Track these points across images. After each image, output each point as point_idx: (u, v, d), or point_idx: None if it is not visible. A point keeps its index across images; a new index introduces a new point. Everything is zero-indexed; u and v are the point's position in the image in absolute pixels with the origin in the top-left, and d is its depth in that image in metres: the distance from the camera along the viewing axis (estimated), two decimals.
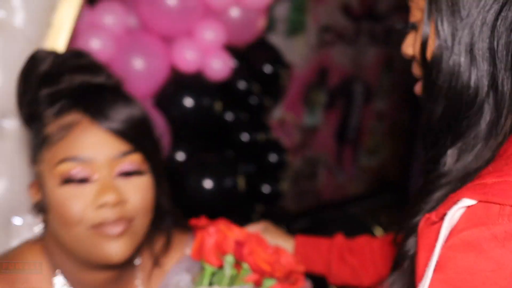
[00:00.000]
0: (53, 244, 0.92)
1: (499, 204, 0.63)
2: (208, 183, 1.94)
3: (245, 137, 2.07)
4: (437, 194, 0.76)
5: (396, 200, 3.98)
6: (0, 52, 1.14)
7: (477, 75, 0.71)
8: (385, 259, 1.25)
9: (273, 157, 2.17)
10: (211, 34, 1.97)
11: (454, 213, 0.67)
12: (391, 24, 3.69)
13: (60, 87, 0.90)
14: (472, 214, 0.65)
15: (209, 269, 1.01)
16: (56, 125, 0.87)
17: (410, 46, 0.85)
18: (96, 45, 1.80)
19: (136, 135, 0.91)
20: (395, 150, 4.36)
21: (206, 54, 1.98)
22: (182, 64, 1.96)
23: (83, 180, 0.84)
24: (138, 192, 0.89)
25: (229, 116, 2.01)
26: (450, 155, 0.75)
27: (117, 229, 0.86)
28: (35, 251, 0.95)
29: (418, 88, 0.86)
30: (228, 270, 1.02)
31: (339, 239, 1.32)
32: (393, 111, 4.12)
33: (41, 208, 0.90)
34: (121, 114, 0.89)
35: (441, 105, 0.74)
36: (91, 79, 0.93)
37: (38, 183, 0.91)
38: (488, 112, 0.71)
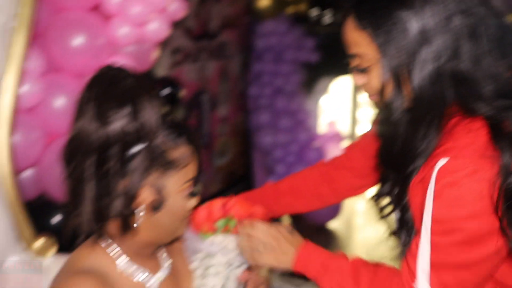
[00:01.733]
0: (139, 232, 1.16)
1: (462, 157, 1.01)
2: None
3: None
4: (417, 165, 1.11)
5: (243, 190, 4.56)
6: None
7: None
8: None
9: None
10: None
11: (436, 169, 1.02)
12: (223, 41, 4.26)
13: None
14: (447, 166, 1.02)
15: (206, 235, 1.35)
16: (177, 154, 1.14)
17: (362, 80, 1.14)
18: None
19: None
20: (239, 147, 4.96)
21: None
22: None
23: (192, 192, 1.21)
24: None
25: None
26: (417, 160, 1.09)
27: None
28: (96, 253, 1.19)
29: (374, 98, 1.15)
30: (220, 230, 1.36)
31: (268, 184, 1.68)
32: (232, 114, 4.71)
33: (154, 207, 1.16)
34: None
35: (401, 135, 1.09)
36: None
37: (154, 189, 1.15)
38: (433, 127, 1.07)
